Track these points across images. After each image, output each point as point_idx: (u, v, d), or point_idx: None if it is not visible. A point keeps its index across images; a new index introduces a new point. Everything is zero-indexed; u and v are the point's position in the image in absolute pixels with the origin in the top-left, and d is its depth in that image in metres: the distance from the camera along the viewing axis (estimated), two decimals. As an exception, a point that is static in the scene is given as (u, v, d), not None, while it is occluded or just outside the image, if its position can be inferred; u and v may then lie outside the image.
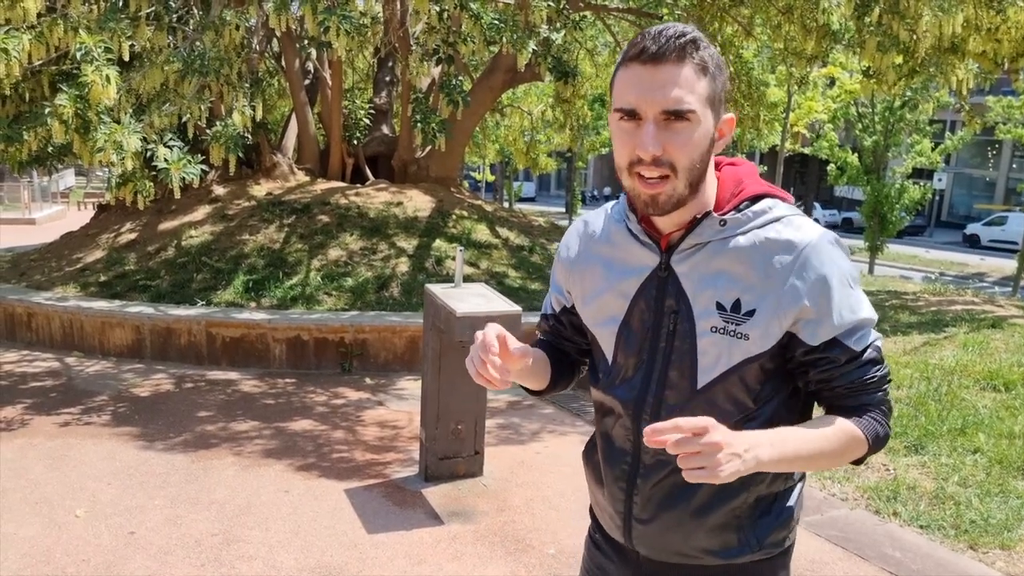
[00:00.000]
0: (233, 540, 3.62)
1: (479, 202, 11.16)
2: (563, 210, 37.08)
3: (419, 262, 8.33)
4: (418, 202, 9.84)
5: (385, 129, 12.00)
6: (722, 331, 1.31)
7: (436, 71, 10.50)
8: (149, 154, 5.36)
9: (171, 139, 5.38)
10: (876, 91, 6.97)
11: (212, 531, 3.71)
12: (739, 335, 1.30)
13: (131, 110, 5.45)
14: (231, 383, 6.25)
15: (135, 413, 5.43)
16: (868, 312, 1.32)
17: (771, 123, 13.43)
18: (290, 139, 11.78)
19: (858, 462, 1.37)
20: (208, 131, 5.79)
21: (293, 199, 9.63)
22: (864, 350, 1.31)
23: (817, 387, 1.35)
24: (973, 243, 31.55)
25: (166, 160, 5.17)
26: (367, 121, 11.23)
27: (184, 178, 5.19)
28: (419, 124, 6.44)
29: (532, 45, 6.46)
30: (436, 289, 4.13)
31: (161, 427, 5.15)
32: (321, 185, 10.33)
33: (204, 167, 5.37)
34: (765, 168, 29.05)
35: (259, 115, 6.23)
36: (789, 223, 1.31)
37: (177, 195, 5.22)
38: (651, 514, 1.41)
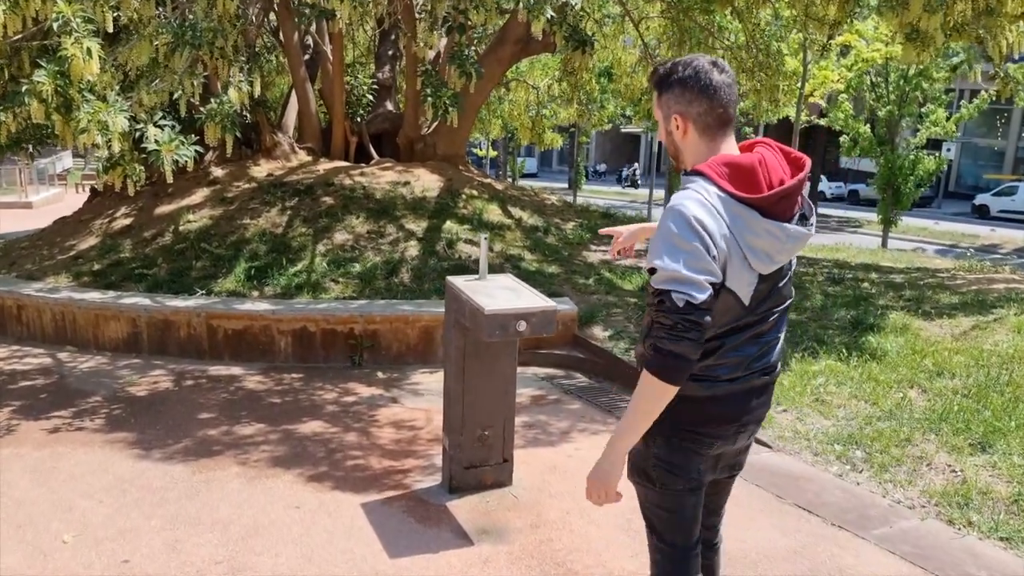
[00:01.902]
0: (239, 569, 3.23)
1: (489, 180, 10.72)
2: (566, 186, 36.53)
3: (430, 245, 7.90)
4: (426, 181, 9.40)
5: (389, 105, 11.53)
6: None
7: (442, 43, 10.02)
8: (139, 135, 4.92)
9: (162, 118, 4.93)
10: (920, 56, 6.48)
11: (216, 558, 3.32)
12: None
13: (118, 87, 4.99)
14: (234, 379, 5.85)
15: (131, 416, 5.03)
16: (667, 267, 1.81)
17: (789, 93, 12.91)
18: (290, 117, 11.32)
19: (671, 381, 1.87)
20: (202, 109, 5.34)
21: (295, 180, 9.19)
22: (657, 291, 1.83)
23: None
24: (982, 214, 31.00)
25: (157, 141, 4.72)
26: (370, 97, 10.77)
27: (177, 161, 4.75)
28: (429, 98, 5.98)
29: (549, 11, 5.98)
30: (459, 282, 3.70)
31: (159, 432, 4.75)
32: (324, 165, 9.89)
33: (198, 148, 4.92)
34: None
35: (257, 91, 5.76)
36: (678, 195, 1.88)
37: (170, 179, 4.78)
38: None
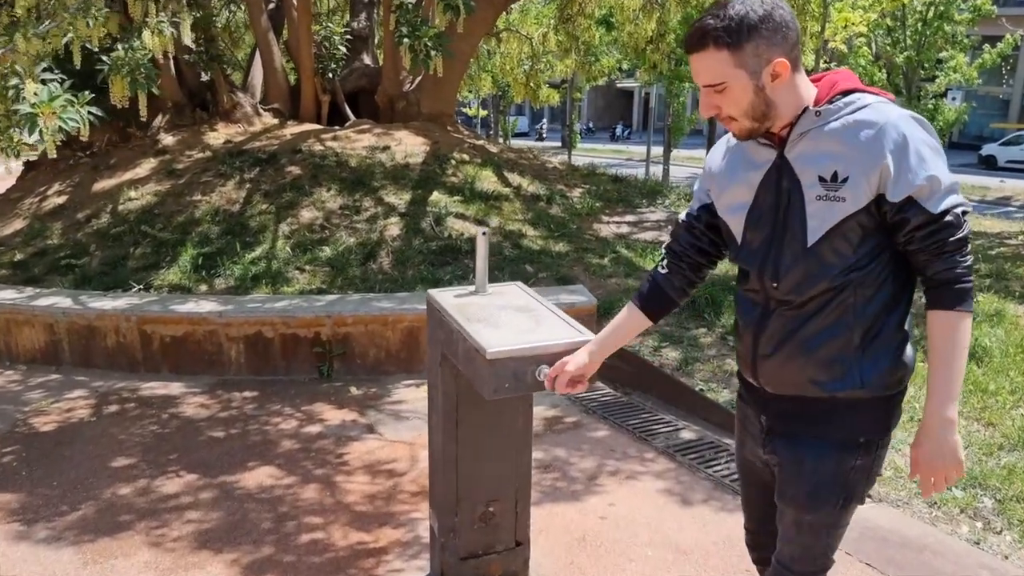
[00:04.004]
0: None
1: (481, 142, 9.45)
2: (559, 144, 35.07)
3: (413, 222, 6.68)
4: (408, 145, 8.14)
5: (366, 59, 10.20)
6: (824, 198, 1.62)
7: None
8: (15, 94, 3.67)
9: (45, 70, 3.68)
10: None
11: None
12: (837, 198, 1.61)
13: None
14: (170, 402, 4.68)
15: (25, 464, 3.86)
16: (944, 176, 1.57)
17: (815, 37, 11.62)
18: (257, 76, 9.99)
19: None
20: (106, 58, 4.07)
21: (257, 147, 7.92)
22: (942, 214, 1.57)
23: (904, 250, 1.62)
24: (990, 165, 29.86)
25: (34, 102, 3.47)
26: (344, 50, 9.42)
27: (64, 129, 3.51)
28: (406, 39, 4.72)
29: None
30: (446, 300, 2.51)
31: (55, 492, 3.58)
32: (291, 129, 8.61)
33: (96, 111, 3.67)
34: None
35: (186, 36, 4.50)
36: (875, 108, 1.61)
37: (52, 153, 3.54)
38: (771, 349, 1.74)
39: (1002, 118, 35.45)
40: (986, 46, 19.90)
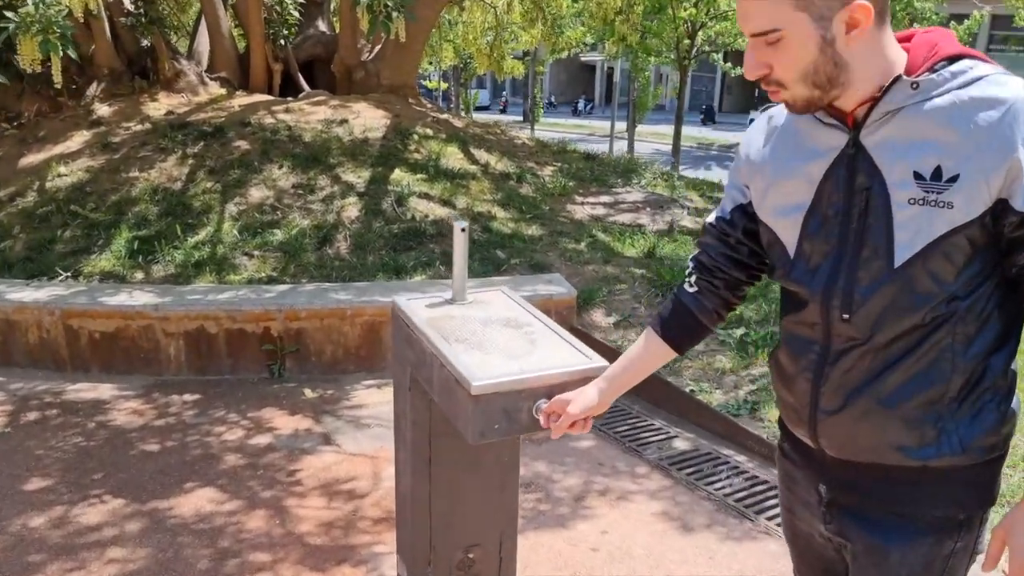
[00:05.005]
0: None
1: (446, 116, 8.91)
2: (521, 119, 34.51)
3: (373, 202, 6.17)
4: (368, 118, 7.59)
5: (321, 25, 9.57)
6: (921, 202, 1.20)
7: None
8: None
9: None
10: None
11: None
12: (941, 204, 1.19)
13: None
14: (99, 408, 4.15)
15: (-80, 489, 3.33)
16: None
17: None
18: (203, 43, 9.31)
19: None
20: (12, 15, 3.49)
21: (202, 119, 7.30)
22: None
23: (1020, 275, 1.22)
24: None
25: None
26: (297, 15, 8.78)
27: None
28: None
29: None
30: (416, 312, 2.04)
31: (-47, 523, 3.06)
32: (240, 100, 7.99)
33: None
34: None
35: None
36: (994, 81, 1.18)
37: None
38: (839, 403, 1.31)
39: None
40: (953, 23, 19.78)
